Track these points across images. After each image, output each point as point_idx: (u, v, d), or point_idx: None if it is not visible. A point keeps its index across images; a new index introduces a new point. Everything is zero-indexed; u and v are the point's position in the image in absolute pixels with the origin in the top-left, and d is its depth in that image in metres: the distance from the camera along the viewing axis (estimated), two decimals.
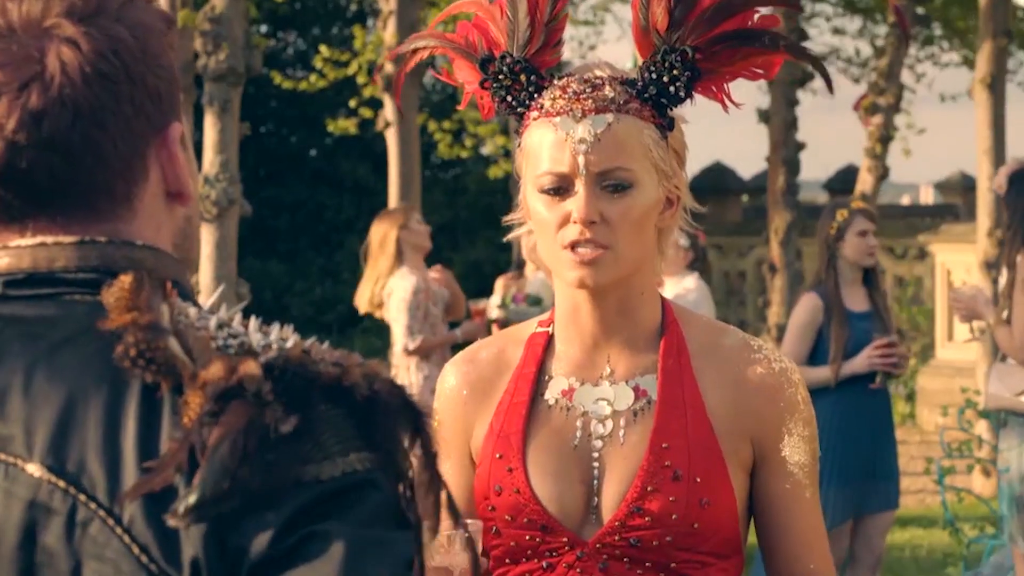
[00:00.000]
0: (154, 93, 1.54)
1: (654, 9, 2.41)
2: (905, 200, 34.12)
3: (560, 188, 2.39)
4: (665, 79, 2.41)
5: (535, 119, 2.43)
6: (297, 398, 1.41)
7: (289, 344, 1.45)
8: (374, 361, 1.46)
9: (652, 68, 2.41)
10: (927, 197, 31.92)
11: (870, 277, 7.03)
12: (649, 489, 2.38)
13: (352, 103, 15.33)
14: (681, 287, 8.59)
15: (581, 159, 2.37)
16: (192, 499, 1.37)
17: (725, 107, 2.49)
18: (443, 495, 1.47)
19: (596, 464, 2.42)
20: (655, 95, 2.41)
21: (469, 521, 2.32)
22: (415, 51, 2.58)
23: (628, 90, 2.41)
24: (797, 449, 2.43)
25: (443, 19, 2.65)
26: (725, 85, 2.46)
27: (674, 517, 2.37)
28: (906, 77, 16.22)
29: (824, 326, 6.89)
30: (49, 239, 1.52)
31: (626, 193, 2.38)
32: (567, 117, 2.39)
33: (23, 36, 1.51)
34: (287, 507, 1.39)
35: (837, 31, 20.70)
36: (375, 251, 8.55)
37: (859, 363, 6.84)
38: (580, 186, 2.38)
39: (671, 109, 2.43)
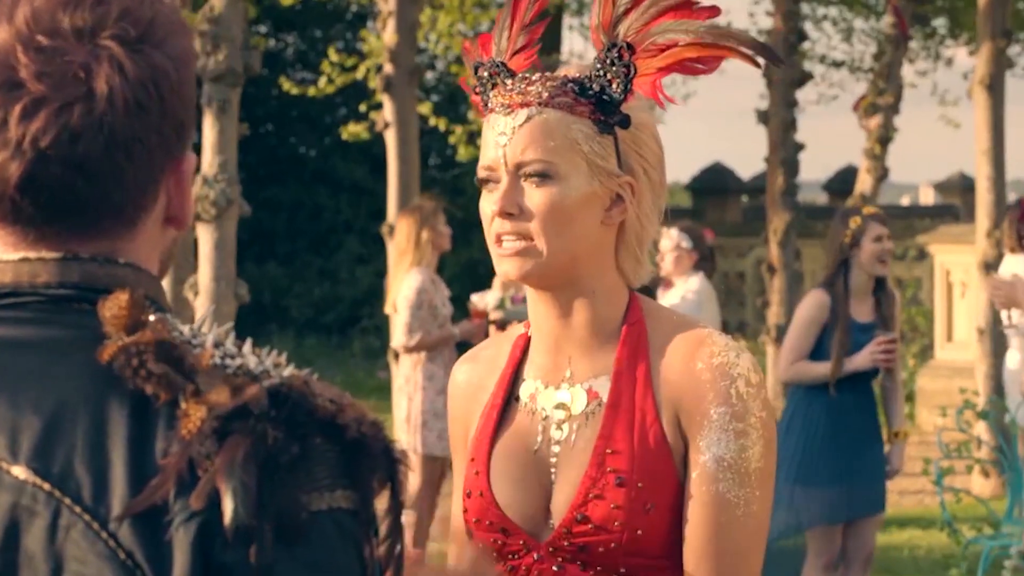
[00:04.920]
0: (178, 124, 1.56)
1: (604, 6, 2.44)
2: (904, 201, 34.15)
3: (489, 181, 2.45)
4: (608, 76, 2.43)
5: (485, 117, 2.49)
6: (297, 427, 1.43)
7: (287, 372, 1.47)
8: (361, 403, 1.48)
9: (598, 65, 2.44)
10: (926, 198, 31.93)
11: (880, 287, 7.01)
12: (591, 496, 2.37)
13: (363, 107, 15.26)
14: (686, 289, 8.62)
15: (500, 152, 2.42)
16: (228, 525, 1.39)
17: (661, 104, 2.49)
18: (397, 547, 1.50)
19: (553, 470, 2.43)
20: (598, 92, 2.42)
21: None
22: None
23: (564, 87, 2.42)
24: (716, 443, 2.34)
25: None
26: (658, 81, 2.45)
27: (616, 524, 2.35)
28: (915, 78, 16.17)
29: (828, 326, 6.88)
30: (32, 254, 1.54)
31: (546, 184, 2.40)
32: (498, 112, 2.44)
33: (70, 48, 1.51)
34: (272, 532, 1.40)
35: (845, 31, 20.72)
36: (403, 249, 8.59)
37: (862, 359, 6.84)
38: (502, 178, 2.43)
39: (618, 105, 2.43)
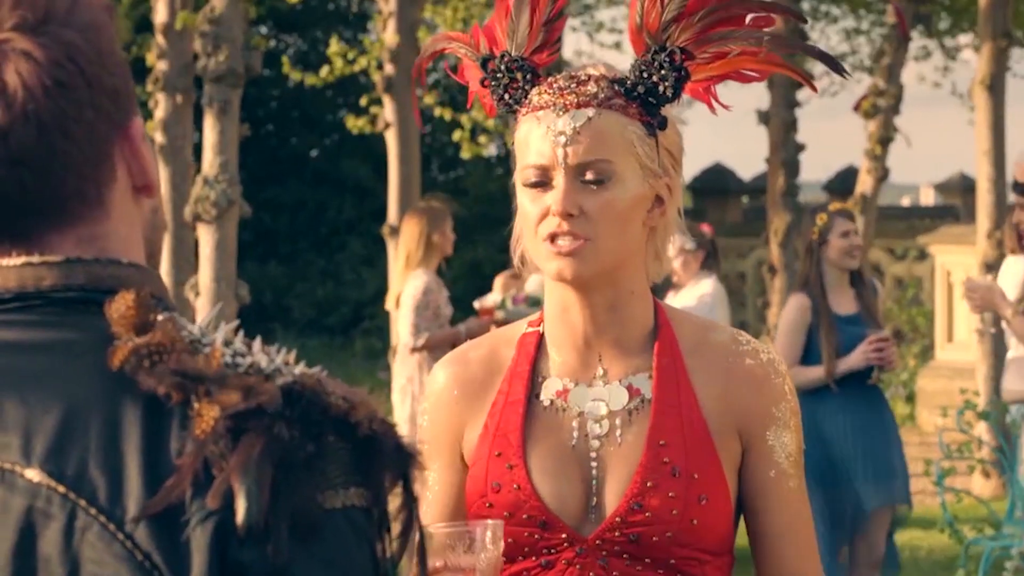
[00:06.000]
0: (112, 92, 1.54)
1: (648, 9, 2.44)
2: (905, 201, 34.11)
3: (541, 181, 2.43)
4: (655, 78, 2.44)
5: (523, 115, 2.47)
6: (311, 426, 1.43)
7: (298, 370, 1.46)
8: (373, 399, 1.47)
9: (643, 67, 2.44)
10: (927, 198, 31.90)
11: (856, 278, 7.03)
12: (649, 485, 2.40)
13: (363, 101, 15.22)
14: (701, 292, 8.61)
15: (560, 152, 2.41)
16: (242, 524, 1.39)
17: (713, 109, 2.52)
18: (415, 540, 1.50)
19: (595, 464, 2.45)
20: (643, 94, 2.44)
21: (490, 521, 2.34)
22: (432, 53, 2.65)
23: (615, 87, 2.44)
24: (782, 438, 2.46)
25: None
26: (713, 87, 2.48)
27: (674, 513, 2.39)
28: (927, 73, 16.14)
29: (814, 328, 6.89)
30: (35, 258, 1.52)
31: (606, 186, 2.41)
32: (550, 111, 2.43)
33: None
34: (287, 530, 1.40)
35: (848, 33, 20.69)
36: (411, 250, 8.59)
37: (855, 359, 6.84)
38: (559, 179, 2.41)
39: (661, 108, 2.45)
